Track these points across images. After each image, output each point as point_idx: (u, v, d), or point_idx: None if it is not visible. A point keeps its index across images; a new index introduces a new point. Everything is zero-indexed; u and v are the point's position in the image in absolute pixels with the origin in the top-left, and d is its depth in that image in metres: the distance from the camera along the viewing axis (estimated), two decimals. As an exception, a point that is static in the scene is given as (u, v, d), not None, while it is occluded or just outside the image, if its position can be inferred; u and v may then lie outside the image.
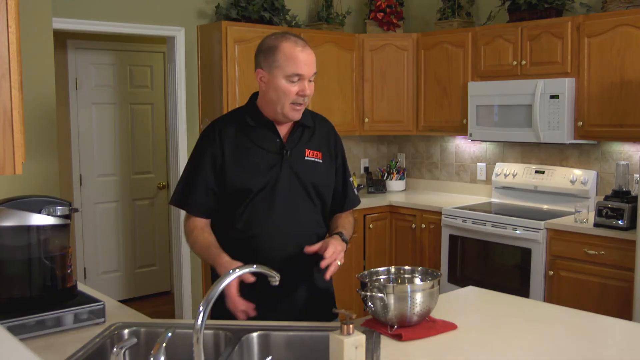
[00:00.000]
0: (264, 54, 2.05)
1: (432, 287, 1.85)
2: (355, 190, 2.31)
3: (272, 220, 2.07)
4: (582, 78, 3.96)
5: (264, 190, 2.06)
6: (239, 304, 1.95)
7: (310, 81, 2.04)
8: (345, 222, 2.22)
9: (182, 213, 4.52)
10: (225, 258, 1.97)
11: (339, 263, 1.98)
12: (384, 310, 1.82)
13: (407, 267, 2.03)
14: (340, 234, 2.10)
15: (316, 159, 2.14)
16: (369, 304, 1.85)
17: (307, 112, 2.17)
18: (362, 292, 1.85)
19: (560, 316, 2.08)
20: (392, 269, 2.03)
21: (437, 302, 1.90)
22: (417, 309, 1.82)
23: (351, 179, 2.30)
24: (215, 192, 2.09)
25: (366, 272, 1.98)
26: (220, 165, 2.08)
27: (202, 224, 2.12)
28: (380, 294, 1.80)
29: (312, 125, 2.18)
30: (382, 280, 1.98)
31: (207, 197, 2.10)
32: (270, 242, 2.07)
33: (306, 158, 2.12)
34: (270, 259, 1.99)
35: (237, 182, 2.06)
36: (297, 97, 2.03)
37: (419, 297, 1.82)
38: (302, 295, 2.13)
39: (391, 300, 1.80)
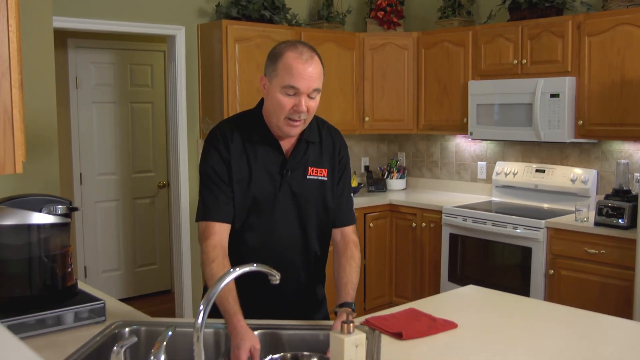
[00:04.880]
0: (269, 60, 1.93)
1: None
2: (351, 207, 2.12)
3: (267, 237, 1.98)
4: (583, 77, 3.96)
5: (261, 205, 1.97)
6: None
7: (311, 97, 1.88)
8: (350, 274, 1.97)
9: (183, 213, 4.58)
10: (241, 322, 1.73)
11: None
12: None
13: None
14: (349, 305, 1.84)
15: (320, 177, 2.02)
16: None
17: (313, 125, 2.03)
18: None
19: (560, 315, 2.08)
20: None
21: (438, 302, 1.89)
22: None
23: (352, 194, 2.14)
24: (233, 197, 1.96)
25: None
26: (228, 169, 1.96)
27: (222, 254, 1.89)
28: None
29: (318, 140, 2.04)
30: None
31: (228, 204, 1.94)
32: (262, 260, 1.93)
33: (308, 177, 2.00)
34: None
35: (237, 194, 1.95)
36: (292, 113, 1.87)
37: None
38: (295, 311, 2.03)
39: None
